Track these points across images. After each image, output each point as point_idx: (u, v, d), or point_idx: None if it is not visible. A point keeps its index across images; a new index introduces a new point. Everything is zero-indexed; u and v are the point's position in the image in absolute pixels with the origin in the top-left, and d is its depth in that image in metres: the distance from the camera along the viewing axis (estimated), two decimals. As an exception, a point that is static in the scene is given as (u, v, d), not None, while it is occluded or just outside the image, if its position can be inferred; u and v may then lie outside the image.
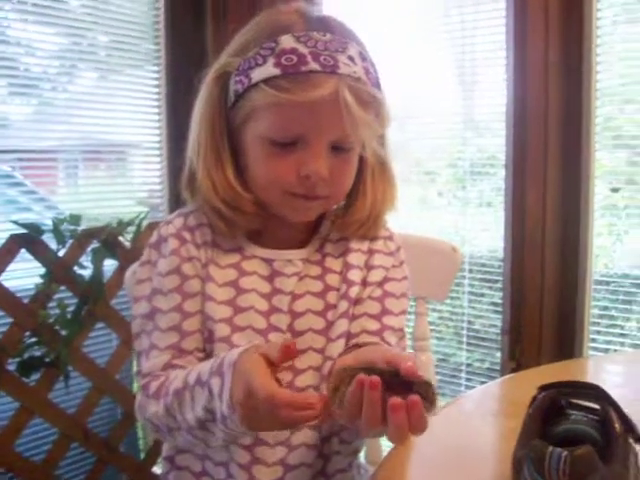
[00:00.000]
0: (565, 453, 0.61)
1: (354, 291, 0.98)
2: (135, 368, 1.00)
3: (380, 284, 1.00)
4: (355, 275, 0.99)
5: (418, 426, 0.69)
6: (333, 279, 0.99)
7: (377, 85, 0.90)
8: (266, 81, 0.84)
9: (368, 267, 1.00)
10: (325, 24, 0.89)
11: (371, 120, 0.88)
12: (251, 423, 0.76)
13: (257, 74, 0.85)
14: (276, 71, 0.84)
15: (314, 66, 0.83)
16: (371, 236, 1.02)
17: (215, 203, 0.92)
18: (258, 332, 0.95)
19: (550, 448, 0.62)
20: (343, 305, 0.97)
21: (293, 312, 0.97)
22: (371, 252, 1.01)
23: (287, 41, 0.85)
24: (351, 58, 0.86)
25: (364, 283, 0.99)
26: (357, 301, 0.98)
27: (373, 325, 0.97)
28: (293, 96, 0.83)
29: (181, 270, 0.96)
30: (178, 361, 0.94)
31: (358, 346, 0.90)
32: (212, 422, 0.83)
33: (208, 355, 0.96)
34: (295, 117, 0.85)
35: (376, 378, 0.68)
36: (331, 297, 0.98)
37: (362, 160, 0.96)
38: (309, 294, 0.98)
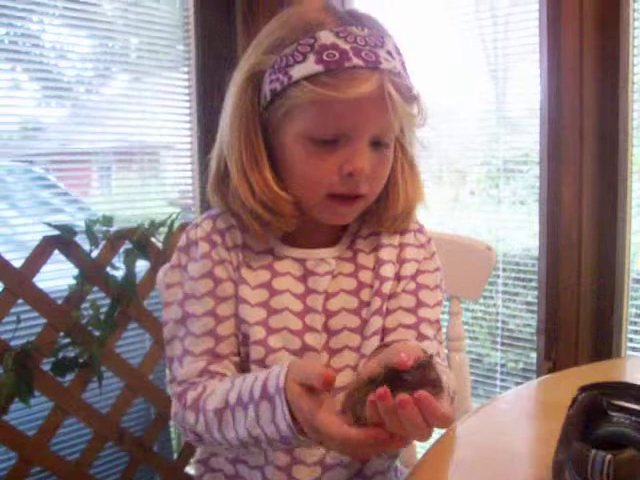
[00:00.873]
0: (609, 457, 0.59)
1: (387, 287, 0.97)
2: (168, 374, 0.98)
3: (413, 277, 0.99)
4: (388, 270, 0.98)
5: (437, 417, 0.67)
6: (366, 276, 0.98)
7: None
8: (308, 78, 0.83)
9: (400, 261, 0.99)
10: (358, 18, 0.88)
11: (414, 113, 0.88)
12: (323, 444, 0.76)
13: (297, 71, 0.84)
14: (319, 68, 0.82)
15: (357, 62, 0.82)
16: (402, 230, 1.01)
17: (253, 205, 0.91)
18: (294, 333, 0.94)
19: (593, 451, 0.60)
20: (376, 302, 0.96)
21: (327, 311, 0.96)
22: (402, 246, 1.00)
23: (327, 36, 0.83)
24: (389, 53, 0.85)
25: (397, 277, 0.98)
26: (391, 296, 0.97)
27: (409, 319, 0.96)
28: (338, 93, 0.82)
29: (213, 273, 0.95)
30: (214, 367, 0.93)
31: (385, 345, 0.88)
32: (254, 444, 0.82)
33: (243, 359, 0.95)
34: (338, 113, 0.84)
35: (382, 390, 0.67)
36: (365, 294, 0.97)
37: (394, 155, 0.95)
38: (343, 292, 0.97)
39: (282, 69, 0.85)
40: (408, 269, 0.99)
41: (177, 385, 0.94)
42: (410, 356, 0.69)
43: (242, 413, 0.82)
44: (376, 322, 0.95)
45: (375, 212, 0.98)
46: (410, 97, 0.87)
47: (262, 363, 0.93)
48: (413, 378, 0.69)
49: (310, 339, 0.94)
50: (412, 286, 0.99)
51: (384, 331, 0.96)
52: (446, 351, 1.23)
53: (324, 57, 0.82)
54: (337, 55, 0.82)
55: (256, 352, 0.93)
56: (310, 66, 0.83)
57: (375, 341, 0.95)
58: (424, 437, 0.69)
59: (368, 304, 0.97)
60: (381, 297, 0.96)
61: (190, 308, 0.95)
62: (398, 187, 0.97)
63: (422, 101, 0.90)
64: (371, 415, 0.69)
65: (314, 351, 0.94)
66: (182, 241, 0.99)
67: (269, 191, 0.90)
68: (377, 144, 0.89)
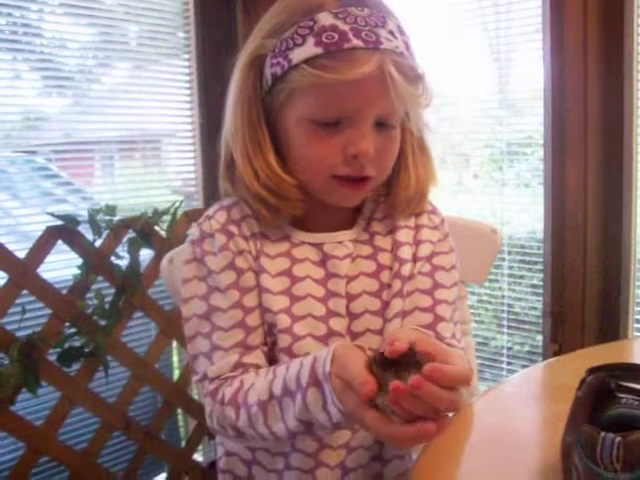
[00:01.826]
0: (618, 439, 0.58)
1: (406, 269, 0.96)
2: (194, 374, 0.95)
3: (429, 259, 0.99)
4: (405, 252, 0.97)
5: (455, 379, 0.67)
6: (385, 258, 0.98)
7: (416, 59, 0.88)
8: (308, 61, 0.82)
9: (416, 242, 0.99)
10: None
11: (417, 94, 0.86)
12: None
13: (297, 54, 0.83)
14: (318, 50, 0.81)
15: (357, 42, 0.81)
16: (417, 212, 1.00)
17: (258, 190, 0.90)
18: (318, 319, 0.94)
19: (602, 434, 0.60)
20: (397, 284, 0.96)
21: (349, 295, 0.95)
22: (417, 227, 1.00)
23: (326, 18, 0.82)
24: (391, 32, 0.84)
25: (414, 259, 0.98)
26: (408, 277, 0.97)
27: (426, 301, 0.96)
28: (338, 75, 0.81)
29: (235, 264, 0.94)
30: (247, 359, 0.92)
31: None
32: (305, 432, 0.82)
33: (269, 348, 0.95)
34: (340, 95, 0.83)
35: (394, 384, 0.67)
36: (384, 276, 0.97)
37: (403, 137, 0.94)
38: (363, 275, 0.97)
39: (282, 53, 0.85)
40: (424, 250, 0.99)
41: (209, 383, 0.92)
42: (399, 344, 0.70)
43: (291, 402, 0.81)
44: (397, 304, 0.95)
45: (388, 195, 0.98)
46: (414, 77, 0.86)
47: (289, 351, 0.92)
48: (411, 360, 0.70)
49: (335, 324, 0.94)
50: (428, 268, 0.98)
51: (402, 314, 0.96)
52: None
53: (323, 39, 0.81)
54: (336, 37, 0.81)
55: (283, 340, 0.92)
56: (309, 49, 0.82)
57: (396, 323, 0.95)
58: (456, 404, 0.69)
59: (388, 286, 0.96)
60: (401, 279, 0.96)
61: (215, 302, 0.93)
62: (409, 170, 0.96)
63: (427, 81, 0.89)
64: (400, 410, 0.68)
65: (339, 336, 0.94)
66: (195, 234, 0.98)
67: (273, 175, 0.90)
68: (382, 125, 0.88)
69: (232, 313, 0.92)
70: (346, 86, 0.82)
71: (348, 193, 0.92)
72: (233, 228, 0.95)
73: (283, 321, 0.92)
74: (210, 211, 0.99)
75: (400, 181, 0.96)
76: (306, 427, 0.81)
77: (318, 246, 0.96)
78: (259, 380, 0.86)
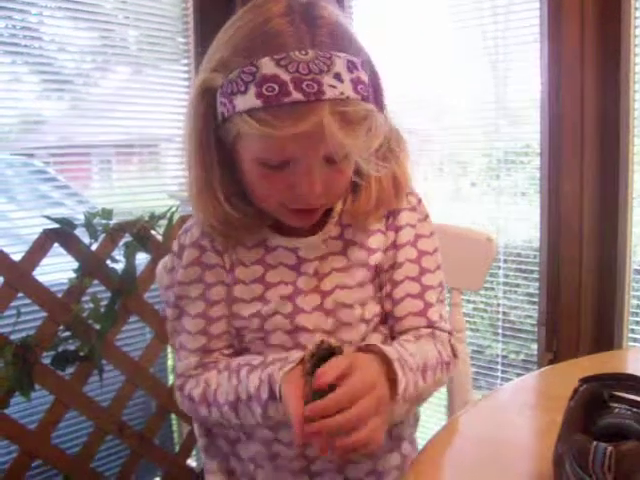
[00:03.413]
0: (610, 448, 0.58)
1: (375, 259, 0.99)
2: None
3: (413, 243, 1.00)
4: (376, 241, 1.00)
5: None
6: (355, 251, 1.00)
7: (369, 93, 0.84)
8: (249, 111, 0.81)
9: (395, 229, 1.01)
10: (311, 23, 0.83)
11: (360, 138, 0.84)
12: None
13: (240, 103, 0.81)
14: (258, 102, 0.79)
15: (297, 96, 0.78)
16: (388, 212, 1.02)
17: (210, 221, 0.95)
18: (285, 316, 0.97)
19: (594, 443, 0.60)
20: (362, 273, 0.98)
21: (322, 292, 0.98)
22: (394, 213, 1.01)
23: (267, 66, 0.79)
24: (337, 76, 0.80)
25: (395, 246, 1.00)
26: (394, 266, 0.99)
27: (414, 288, 0.99)
28: (276, 131, 0.79)
29: (203, 279, 1.00)
30: (207, 359, 1.00)
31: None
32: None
33: (240, 349, 1.01)
34: (281, 145, 0.83)
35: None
36: (356, 269, 0.99)
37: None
38: (335, 271, 0.99)
39: (228, 96, 0.83)
40: (405, 236, 1.00)
41: (177, 378, 1.02)
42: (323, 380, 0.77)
43: (256, 406, 0.90)
44: (367, 291, 0.99)
45: (350, 205, 0.99)
46: (358, 120, 0.83)
47: (263, 344, 0.99)
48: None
49: (301, 320, 0.97)
50: (414, 254, 1.00)
51: (393, 302, 0.99)
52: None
53: (264, 91, 0.79)
54: (276, 89, 0.79)
55: (253, 341, 0.99)
56: (251, 100, 0.80)
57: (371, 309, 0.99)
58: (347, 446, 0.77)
59: (360, 278, 0.99)
60: (367, 268, 0.99)
61: (184, 307, 1.01)
62: (370, 186, 0.96)
63: (377, 118, 0.85)
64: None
65: (306, 331, 0.97)
66: (175, 246, 1.04)
67: (222, 213, 0.93)
68: (331, 160, 0.87)
69: (197, 321, 1.00)
70: (285, 138, 0.81)
71: (302, 218, 0.94)
72: (205, 242, 1.00)
73: (253, 323, 0.98)
74: (188, 224, 1.04)
75: (360, 196, 0.97)
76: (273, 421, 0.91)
77: (294, 250, 0.99)
78: (224, 382, 0.95)
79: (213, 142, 0.89)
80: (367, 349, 0.87)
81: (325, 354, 0.82)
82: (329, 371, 0.77)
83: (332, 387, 0.77)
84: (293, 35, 0.82)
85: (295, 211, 0.91)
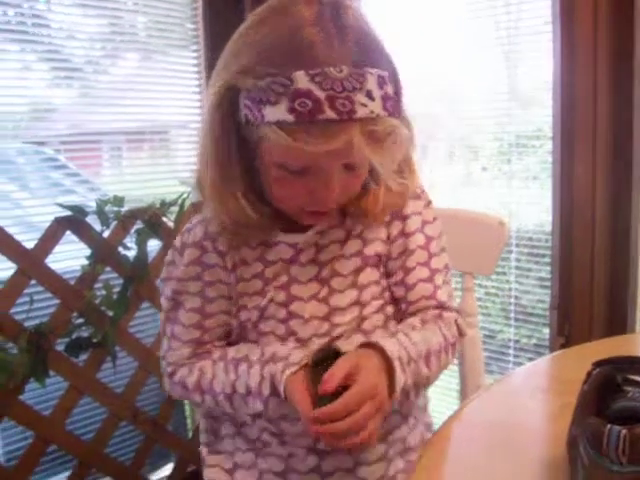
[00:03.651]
0: (624, 431, 0.58)
1: (374, 247, 1.00)
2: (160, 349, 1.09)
3: (421, 230, 1.02)
4: (376, 231, 1.01)
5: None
6: (354, 240, 1.01)
7: (398, 106, 0.86)
8: (279, 123, 0.80)
9: (402, 217, 1.02)
10: (341, 31, 0.81)
11: (386, 154, 0.85)
12: None
13: (269, 113, 0.80)
14: (290, 117, 0.79)
15: (330, 114, 0.78)
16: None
17: (222, 218, 0.95)
18: (280, 305, 0.99)
19: (608, 426, 0.60)
20: (359, 261, 1.00)
21: (322, 280, 0.99)
22: None
23: (302, 81, 0.78)
24: (369, 93, 0.80)
25: (404, 234, 1.02)
26: (404, 252, 1.01)
27: (424, 273, 1.01)
28: (307, 146, 0.79)
29: (202, 277, 1.02)
30: (200, 350, 1.03)
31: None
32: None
33: (237, 340, 1.04)
34: (306, 156, 0.83)
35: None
36: (355, 258, 1.00)
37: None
38: (334, 259, 1.00)
39: (256, 104, 0.82)
40: (413, 224, 1.02)
41: (167, 365, 1.05)
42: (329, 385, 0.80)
43: (254, 400, 0.94)
44: (368, 276, 1.00)
45: (355, 204, 0.99)
46: (387, 135, 0.83)
47: (254, 337, 1.02)
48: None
49: (296, 308, 0.98)
50: (422, 240, 1.02)
51: (406, 288, 1.01)
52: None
53: (296, 106, 0.78)
54: (310, 105, 0.78)
55: (249, 331, 1.01)
56: (282, 113, 0.79)
57: (369, 292, 1.00)
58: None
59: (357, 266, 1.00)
60: (362, 258, 1.00)
61: (182, 301, 1.03)
62: (378, 194, 0.97)
63: (404, 131, 0.86)
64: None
65: (301, 319, 0.98)
66: (177, 242, 1.05)
67: (239, 211, 0.92)
68: (350, 167, 0.88)
69: (192, 315, 1.02)
70: (314, 152, 0.81)
71: (317, 218, 0.96)
72: (207, 243, 1.01)
73: (252, 315, 1.00)
74: (192, 222, 1.04)
75: (367, 199, 0.97)
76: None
77: (293, 246, 1.00)
78: (220, 373, 0.98)
79: (235, 141, 0.89)
80: (368, 345, 0.88)
81: (328, 354, 0.86)
82: (337, 372, 0.80)
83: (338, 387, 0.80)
84: (326, 48, 0.80)
85: (311, 212, 0.93)
